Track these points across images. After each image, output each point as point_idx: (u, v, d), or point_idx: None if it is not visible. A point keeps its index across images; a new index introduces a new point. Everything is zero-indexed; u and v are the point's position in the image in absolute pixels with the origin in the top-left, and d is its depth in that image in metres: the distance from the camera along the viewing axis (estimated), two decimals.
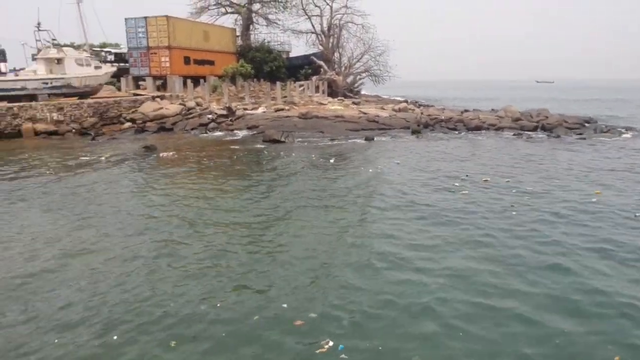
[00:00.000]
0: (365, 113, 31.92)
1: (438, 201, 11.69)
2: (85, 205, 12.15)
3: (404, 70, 55.66)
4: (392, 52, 49.08)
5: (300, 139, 24.35)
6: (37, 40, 29.60)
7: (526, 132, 26.49)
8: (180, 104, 32.85)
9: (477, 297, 6.88)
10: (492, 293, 7.00)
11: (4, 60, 37.74)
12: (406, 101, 45.60)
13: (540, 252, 8.47)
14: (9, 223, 10.49)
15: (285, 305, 6.71)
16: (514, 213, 10.68)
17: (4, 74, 30.76)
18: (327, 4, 48.14)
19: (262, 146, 22.65)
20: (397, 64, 51.38)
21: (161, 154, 20.31)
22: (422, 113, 32.77)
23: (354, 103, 39.73)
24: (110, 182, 15.02)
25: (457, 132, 26.75)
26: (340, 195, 12.59)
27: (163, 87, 37.13)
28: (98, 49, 41.64)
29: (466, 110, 35.67)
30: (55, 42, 29.39)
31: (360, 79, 51.31)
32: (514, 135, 25.58)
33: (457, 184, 13.32)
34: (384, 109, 34.90)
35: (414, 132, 26.30)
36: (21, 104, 25.93)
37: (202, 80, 37.22)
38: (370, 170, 15.85)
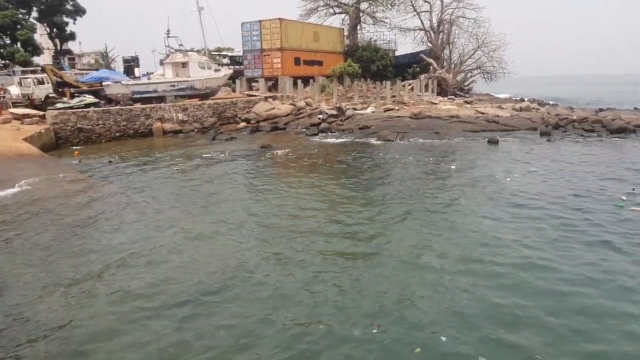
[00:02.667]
0: (482, 113, 29.74)
1: (603, 219, 9.92)
2: (207, 197, 12.76)
3: (521, 66, 51.30)
4: (507, 47, 45.48)
5: (414, 140, 23.23)
6: (166, 46, 32.04)
7: None
8: (290, 104, 33.50)
9: None
10: None
11: (137, 65, 41.81)
12: (522, 99, 42.13)
13: None
14: (148, 216, 10.98)
15: (444, 339, 5.88)
16: None
17: (138, 78, 33.85)
18: None
19: (375, 147, 21.97)
20: (513, 59, 47.64)
21: (275, 152, 20.77)
22: (548, 113, 29.69)
23: (466, 102, 37.45)
24: (232, 180, 15.41)
25: (595, 135, 23.58)
26: (472, 211, 11.02)
27: (274, 87, 38.21)
28: (215, 52, 44.13)
29: (601, 110, 31.64)
30: (181, 47, 31.52)
31: (471, 76, 48.40)
32: None
33: (624, 198, 11.32)
34: (502, 108, 32.30)
35: (543, 134, 23.71)
36: (152, 105, 28.16)
37: (311, 81, 37.68)
38: (508, 180, 14.21)
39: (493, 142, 21.67)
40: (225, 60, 46.95)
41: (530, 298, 6.78)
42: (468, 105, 34.50)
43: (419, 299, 6.89)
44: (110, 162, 18.69)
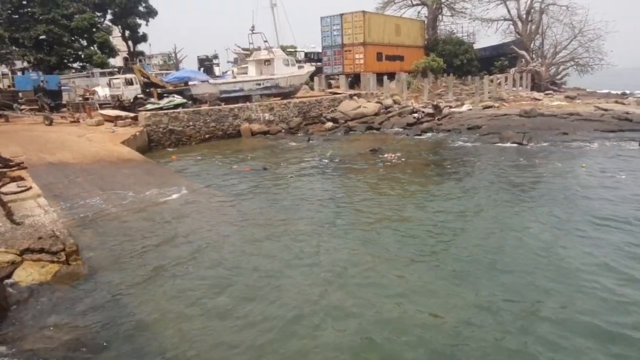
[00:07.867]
0: (605, 109, 26.05)
1: None
2: (344, 216, 10.36)
3: (621, 56, 46.12)
4: (609, 36, 40.73)
5: (547, 142, 20.15)
6: (250, 43, 30.53)
7: None
8: (377, 102, 31.14)
9: None
10: None
11: (217, 64, 40.85)
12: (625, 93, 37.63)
13: None
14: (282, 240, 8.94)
15: None
16: None
17: (219, 77, 32.56)
18: None
19: (502, 150, 19.19)
20: (612, 49, 42.88)
21: (385, 155, 18.54)
22: None
23: (568, 97, 33.65)
24: (358, 194, 13.21)
25: None
26: None
27: (355, 84, 35.95)
28: (290, 50, 42.47)
29: None
30: (266, 43, 29.86)
31: (564, 69, 43.98)
32: None
33: None
34: (623, 103, 28.39)
35: None
36: (240, 105, 26.58)
37: (395, 76, 35.14)
38: None
39: None
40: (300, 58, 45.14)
41: None
42: (579, 101, 30.77)
43: None
44: (265, 168, 16.90)
